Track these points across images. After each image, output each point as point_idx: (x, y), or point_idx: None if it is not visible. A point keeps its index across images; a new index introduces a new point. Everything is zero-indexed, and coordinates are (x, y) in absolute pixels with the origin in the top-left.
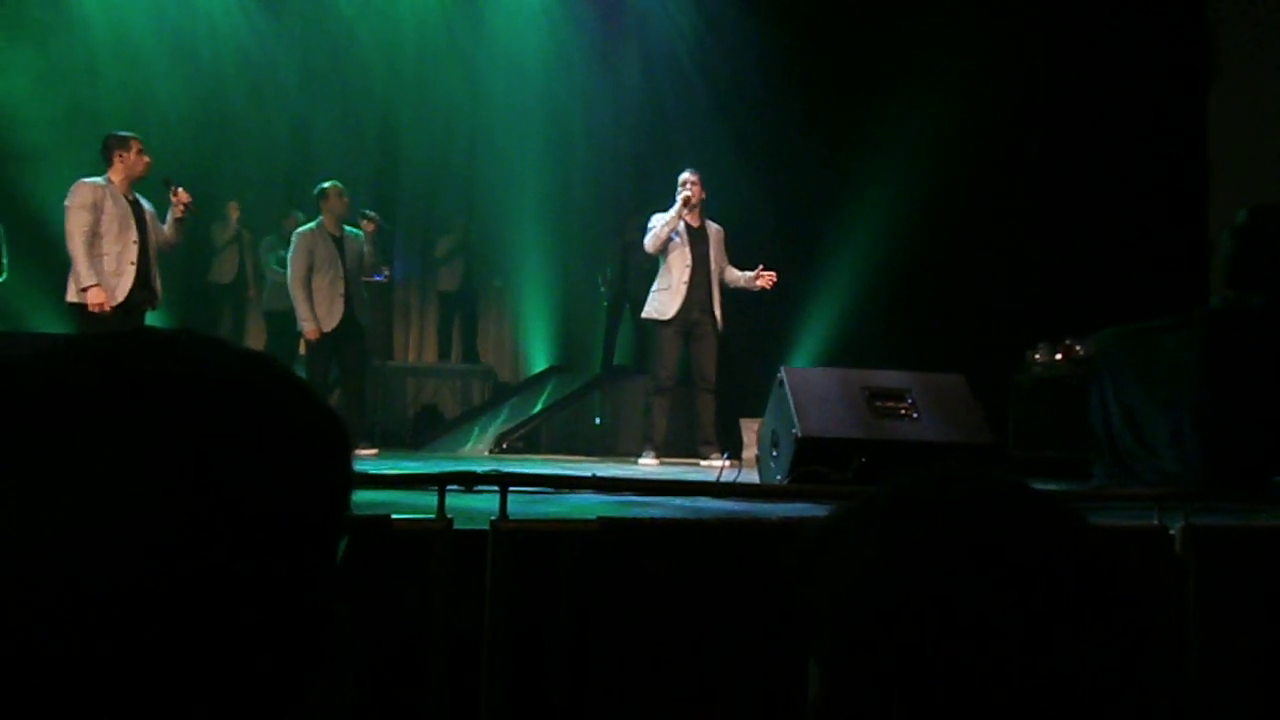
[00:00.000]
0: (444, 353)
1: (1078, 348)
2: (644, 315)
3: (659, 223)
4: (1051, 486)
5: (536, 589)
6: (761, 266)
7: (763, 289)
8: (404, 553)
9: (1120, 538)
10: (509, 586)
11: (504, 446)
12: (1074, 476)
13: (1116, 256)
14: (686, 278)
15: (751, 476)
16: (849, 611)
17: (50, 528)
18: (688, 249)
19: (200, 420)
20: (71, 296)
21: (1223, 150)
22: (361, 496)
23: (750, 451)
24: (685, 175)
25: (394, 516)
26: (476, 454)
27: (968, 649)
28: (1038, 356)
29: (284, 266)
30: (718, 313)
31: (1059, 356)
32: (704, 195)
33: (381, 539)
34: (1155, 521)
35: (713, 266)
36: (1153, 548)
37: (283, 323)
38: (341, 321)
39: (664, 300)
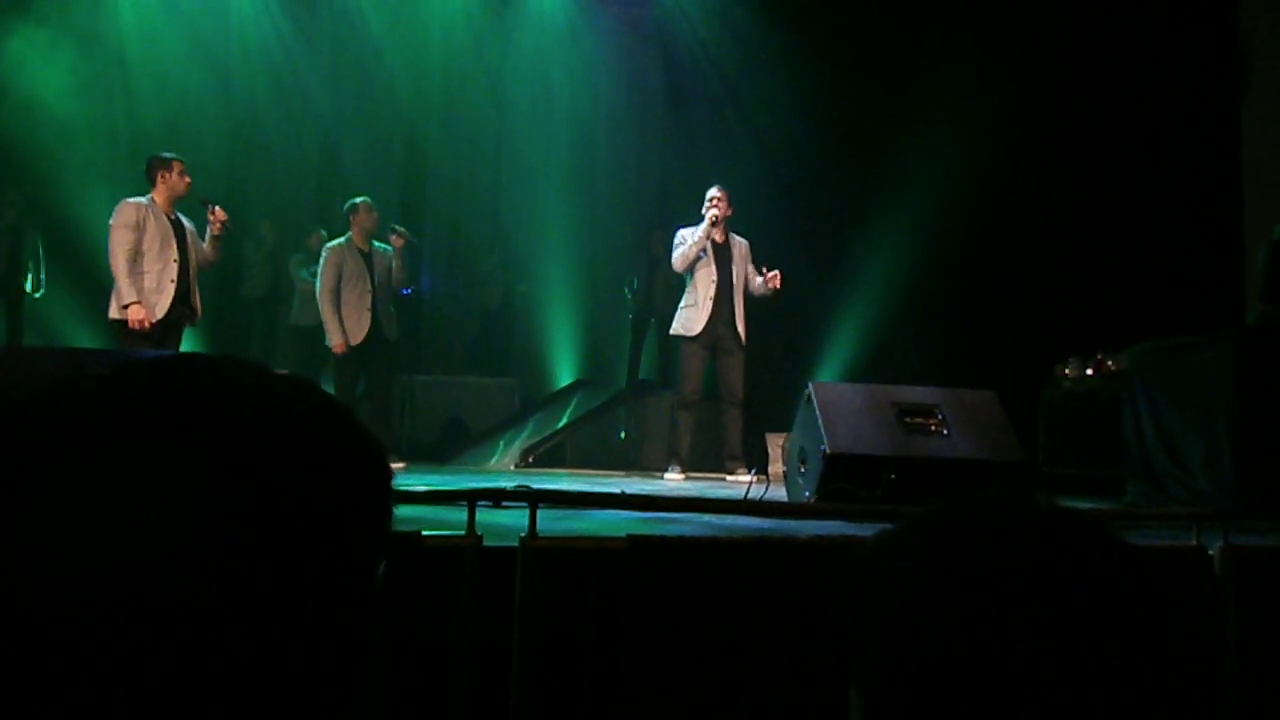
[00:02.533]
0: (471, 366)
1: (1109, 362)
2: (671, 332)
3: (686, 240)
4: (1083, 504)
5: (566, 606)
6: (766, 268)
7: (776, 290)
8: (434, 569)
9: (1158, 558)
10: (538, 604)
11: (530, 460)
12: (1106, 494)
13: (1149, 270)
14: (712, 294)
15: (778, 492)
16: (893, 639)
17: (93, 550)
18: (714, 266)
19: (243, 446)
20: (114, 313)
21: (1256, 163)
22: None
23: (775, 466)
24: (712, 192)
25: (424, 533)
26: (502, 468)
27: (1014, 678)
28: (1068, 371)
29: (315, 278)
30: (740, 328)
31: (1090, 371)
32: (731, 211)
33: (411, 555)
34: (1194, 541)
35: (737, 281)
36: (1191, 568)
37: (310, 338)
38: (369, 336)
39: (690, 317)
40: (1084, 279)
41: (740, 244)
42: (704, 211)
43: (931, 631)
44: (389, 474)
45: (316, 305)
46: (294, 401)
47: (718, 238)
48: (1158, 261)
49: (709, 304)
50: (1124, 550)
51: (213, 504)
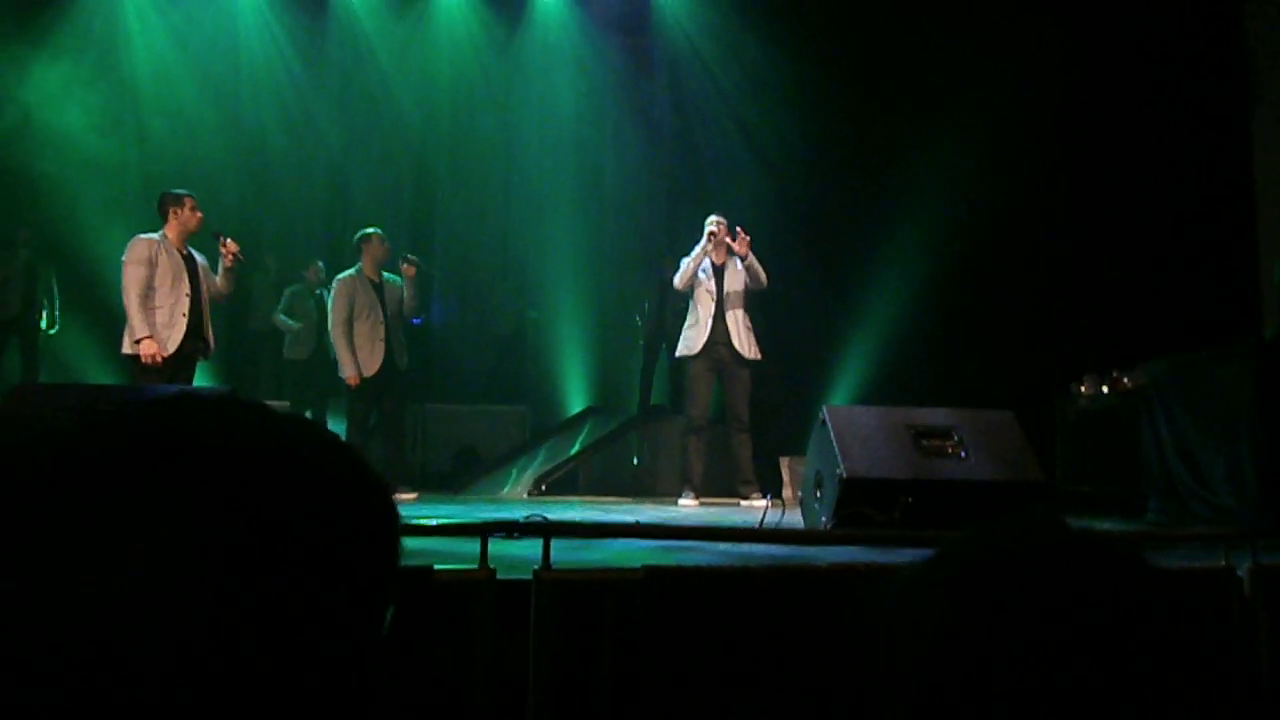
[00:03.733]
0: (482, 394)
1: (1124, 379)
2: (676, 354)
3: (686, 260)
4: (1103, 523)
5: (582, 639)
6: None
7: (748, 255)
8: (447, 604)
9: (1187, 580)
10: (554, 637)
11: (543, 488)
12: (1125, 512)
13: (1162, 285)
14: (712, 312)
15: (793, 516)
16: (931, 672)
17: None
18: (713, 285)
19: (241, 487)
20: (126, 348)
21: (1268, 174)
22: (403, 545)
23: (790, 490)
24: (711, 218)
25: (436, 567)
26: (515, 496)
27: (1056, 709)
28: (1083, 388)
29: (293, 319)
30: (740, 344)
31: (1105, 388)
32: (730, 237)
33: (424, 590)
34: (1222, 562)
35: (733, 299)
36: (1220, 590)
37: (301, 371)
38: (381, 367)
39: (691, 336)
40: (1097, 295)
41: (740, 264)
42: (707, 233)
43: (971, 664)
44: (395, 515)
45: (306, 341)
46: (296, 441)
47: (716, 259)
48: (1171, 276)
49: (709, 322)
50: (1159, 576)
51: (210, 547)
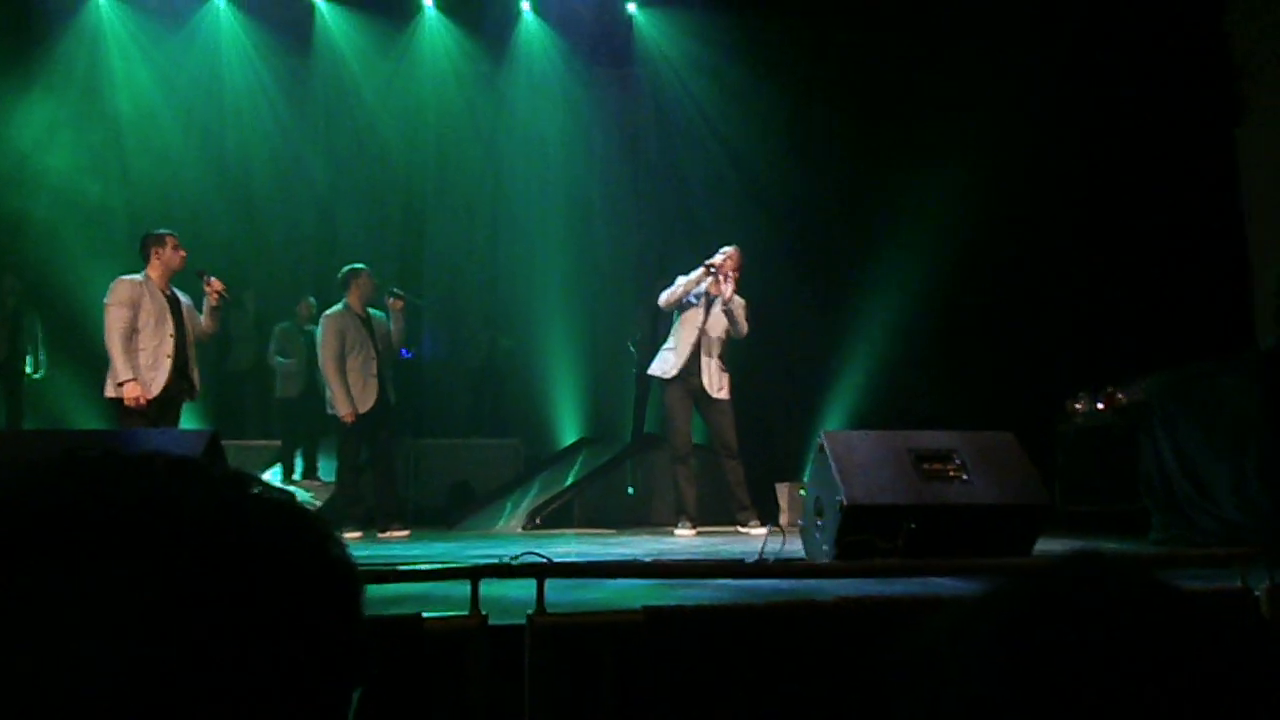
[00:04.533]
0: (474, 428)
1: (1120, 395)
2: (649, 371)
3: (679, 281)
4: (1109, 543)
5: (580, 687)
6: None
7: (726, 296)
8: (437, 653)
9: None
10: (550, 685)
11: (537, 522)
12: (1128, 529)
13: (1155, 300)
14: (694, 340)
15: (793, 543)
16: None
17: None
18: (701, 314)
19: (169, 561)
20: (109, 392)
21: (1257, 184)
22: (393, 589)
23: (786, 517)
24: (726, 249)
25: (425, 615)
26: (510, 531)
27: None
28: (1079, 406)
29: (285, 358)
30: (707, 381)
31: (1100, 405)
32: (735, 274)
33: (412, 640)
34: (1239, 583)
35: (715, 336)
36: (1237, 611)
37: (296, 409)
38: (375, 404)
39: (667, 359)
40: (1089, 312)
41: (736, 302)
42: (714, 261)
43: None
44: (356, 582)
45: (297, 378)
46: (232, 505)
47: (711, 290)
48: (1162, 291)
49: (688, 350)
50: (1238, 626)
51: (132, 626)
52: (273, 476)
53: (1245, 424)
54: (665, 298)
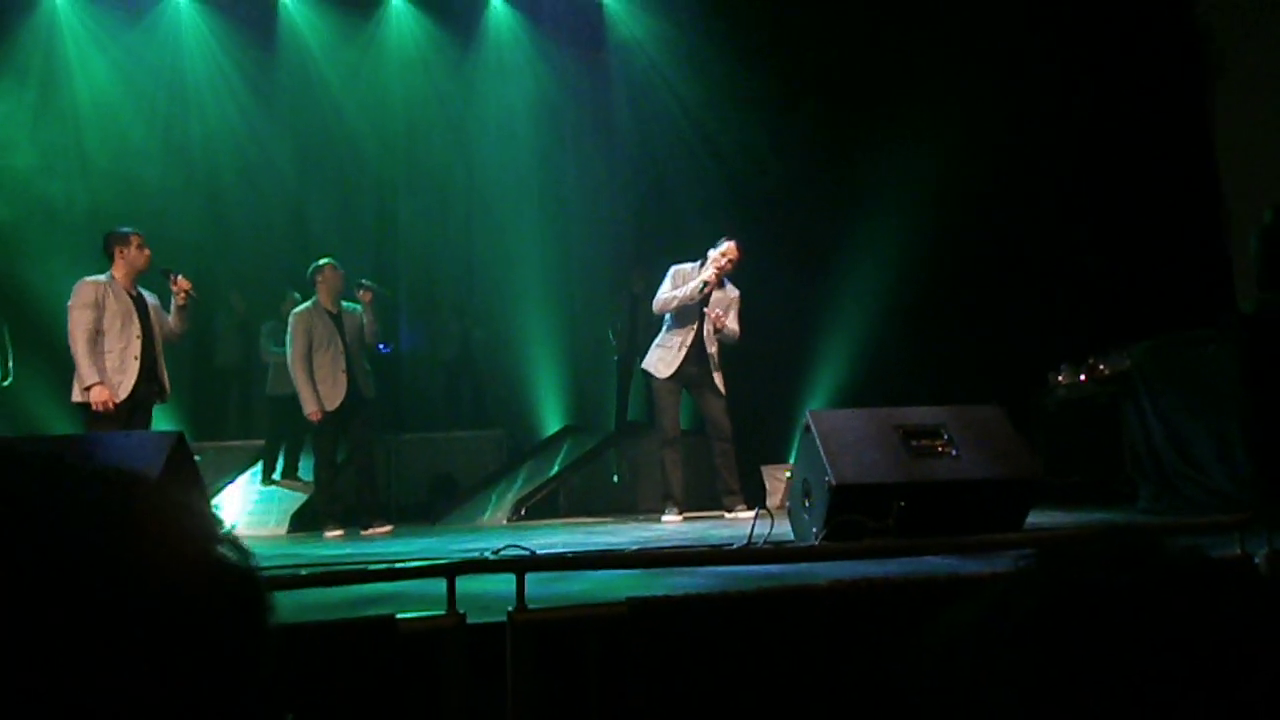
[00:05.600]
0: (456, 420)
1: (1101, 366)
2: (643, 366)
3: (679, 281)
4: (1096, 515)
5: (563, 685)
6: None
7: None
8: (413, 656)
9: None
10: (532, 685)
11: (523, 513)
12: (1113, 501)
13: (1134, 269)
14: (690, 340)
15: (782, 526)
16: None
17: None
18: (696, 312)
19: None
20: (76, 396)
21: (1232, 149)
22: (369, 589)
23: (773, 499)
24: (726, 245)
25: (399, 616)
26: (495, 523)
27: None
28: (1060, 378)
29: (282, 348)
30: (713, 370)
31: (1082, 377)
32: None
33: (387, 643)
34: (1238, 550)
35: (710, 330)
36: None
37: (287, 408)
38: (346, 398)
39: (661, 358)
40: (1068, 284)
41: (730, 292)
42: (712, 263)
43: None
44: (258, 596)
45: (288, 376)
46: (99, 506)
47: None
48: (1140, 260)
49: (684, 351)
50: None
51: None
52: (252, 476)
53: (1228, 391)
54: (659, 304)
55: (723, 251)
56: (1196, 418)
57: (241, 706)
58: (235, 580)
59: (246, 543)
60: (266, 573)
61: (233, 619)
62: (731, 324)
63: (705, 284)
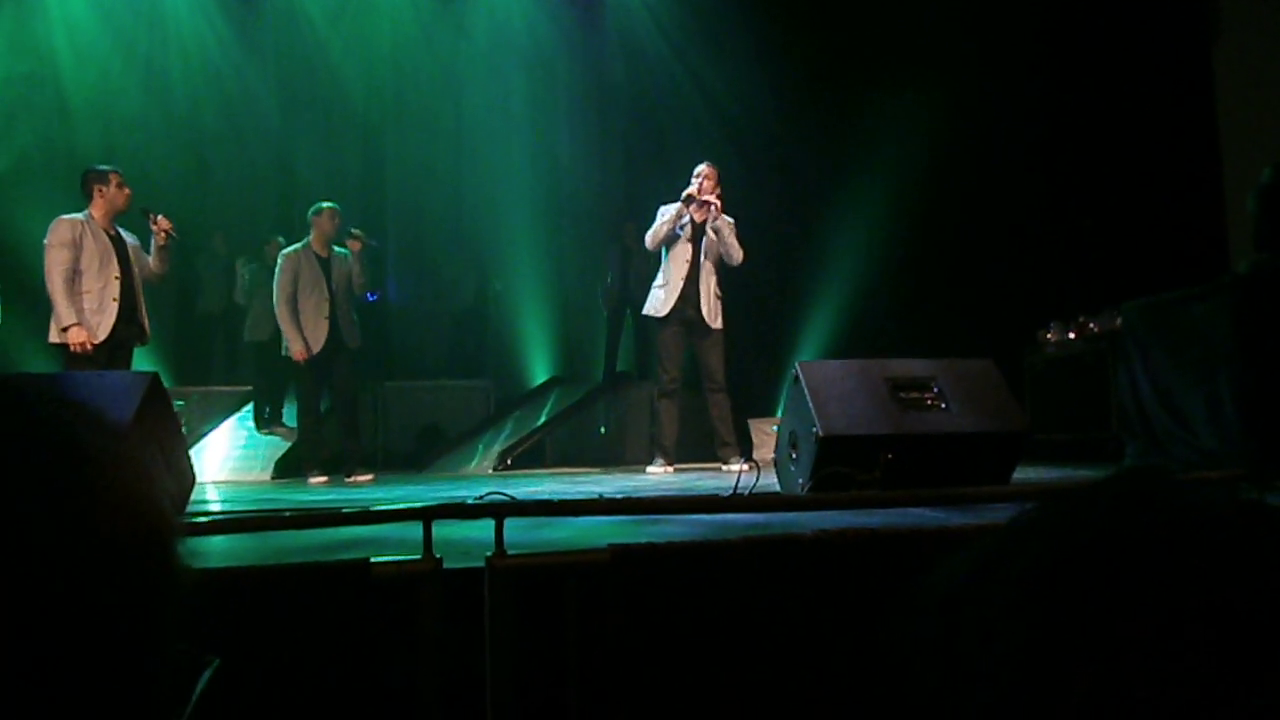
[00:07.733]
0: (444, 369)
1: (1091, 324)
2: (644, 313)
3: (663, 216)
4: (1085, 471)
5: (543, 631)
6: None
7: (713, 217)
8: (388, 600)
9: None
10: (511, 631)
11: (508, 463)
12: (1100, 458)
13: (1128, 227)
14: (685, 274)
15: (770, 480)
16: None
17: None
18: (690, 245)
19: None
20: (54, 337)
21: (1232, 109)
22: (345, 533)
23: (762, 452)
24: (700, 168)
25: (374, 560)
26: (480, 472)
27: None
28: (1050, 336)
29: (255, 276)
30: (707, 310)
31: (1072, 334)
32: (717, 190)
33: (360, 588)
34: None
35: (707, 264)
36: None
37: (265, 353)
38: (327, 344)
39: (659, 297)
40: (1061, 241)
41: (724, 222)
42: (693, 180)
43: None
44: (159, 517)
45: (267, 321)
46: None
47: (697, 217)
48: (1137, 218)
49: (680, 284)
50: None
51: None
52: (238, 422)
53: (1219, 351)
54: (650, 238)
55: (697, 173)
56: (1187, 377)
57: (149, 647)
58: (140, 511)
59: (158, 479)
60: (242, 515)
61: (136, 552)
62: (731, 242)
63: (689, 196)
